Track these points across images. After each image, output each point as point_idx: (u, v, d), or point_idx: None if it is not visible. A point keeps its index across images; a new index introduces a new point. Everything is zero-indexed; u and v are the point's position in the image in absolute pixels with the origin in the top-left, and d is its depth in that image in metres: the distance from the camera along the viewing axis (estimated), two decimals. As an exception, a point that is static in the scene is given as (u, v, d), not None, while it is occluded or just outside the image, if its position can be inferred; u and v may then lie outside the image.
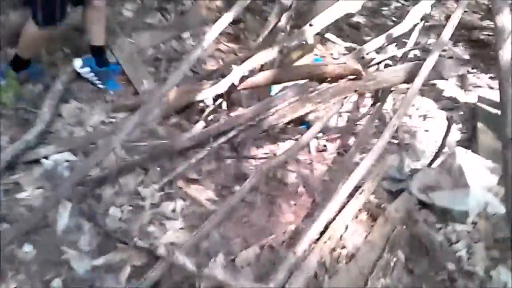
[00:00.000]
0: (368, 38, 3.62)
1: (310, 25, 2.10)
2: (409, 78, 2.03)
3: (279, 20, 2.56)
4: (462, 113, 2.93)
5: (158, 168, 2.20)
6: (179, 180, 2.15)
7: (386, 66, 2.50)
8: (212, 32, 1.99)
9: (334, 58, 2.56)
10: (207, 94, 2.28)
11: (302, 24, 2.33)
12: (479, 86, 3.21)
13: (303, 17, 2.63)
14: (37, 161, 2.17)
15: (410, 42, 2.43)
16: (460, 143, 2.70)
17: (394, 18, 4.45)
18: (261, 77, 2.28)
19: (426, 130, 2.83)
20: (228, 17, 2.03)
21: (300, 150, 2.21)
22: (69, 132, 2.47)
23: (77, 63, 2.85)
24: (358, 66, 2.08)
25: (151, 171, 2.17)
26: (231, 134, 2.17)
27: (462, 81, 3.10)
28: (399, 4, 4.80)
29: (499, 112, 2.67)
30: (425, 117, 2.89)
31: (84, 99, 2.78)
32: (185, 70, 1.91)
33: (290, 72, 2.25)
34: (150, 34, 3.25)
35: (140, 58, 3.15)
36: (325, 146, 2.48)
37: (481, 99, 2.81)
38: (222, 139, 2.16)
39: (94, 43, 2.82)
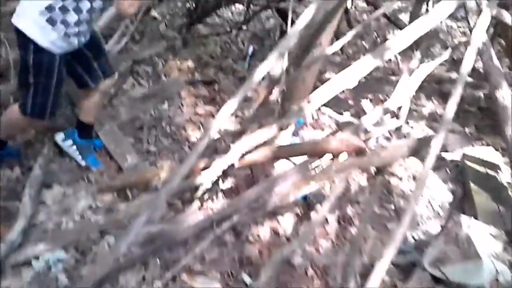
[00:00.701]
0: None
1: (308, 101, 2.08)
2: (414, 153, 2.04)
3: (270, 93, 2.52)
4: (449, 171, 2.97)
5: (159, 261, 2.07)
6: (182, 273, 2.02)
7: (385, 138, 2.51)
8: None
9: (332, 133, 2.55)
10: (206, 177, 2.18)
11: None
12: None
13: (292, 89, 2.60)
14: (26, 263, 1.99)
15: (403, 112, 2.45)
16: (452, 205, 2.71)
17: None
18: (260, 154, 2.22)
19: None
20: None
21: (312, 234, 2.14)
22: (55, 223, 2.30)
23: (59, 136, 2.73)
24: (362, 144, 2.07)
25: (151, 266, 2.03)
26: (234, 219, 2.08)
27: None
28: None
29: (488, 171, 2.73)
30: (414, 178, 2.91)
31: (66, 181, 2.63)
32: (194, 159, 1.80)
33: (290, 149, 2.21)
34: (129, 106, 3.14)
35: (121, 131, 3.04)
36: (326, 218, 2.43)
37: (467, 157, 2.86)
38: (226, 225, 2.07)
39: (84, 119, 2.70)
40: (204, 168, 2.23)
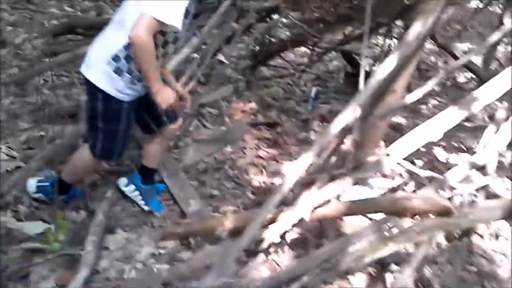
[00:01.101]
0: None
1: (387, 154, 1.93)
2: (508, 215, 1.84)
3: (341, 142, 2.39)
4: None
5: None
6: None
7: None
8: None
9: (414, 191, 2.37)
10: (274, 230, 2.06)
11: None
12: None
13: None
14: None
15: (491, 167, 2.22)
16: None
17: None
18: (332, 209, 2.08)
19: (503, 254, 2.57)
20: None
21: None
22: (118, 270, 2.24)
23: (122, 181, 2.71)
24: (448, 204, 1.88)
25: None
26: (304, 280, 1.93)
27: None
28: (435, 102, 4.73)
29: None
30: (497, 236, 2.64)
31: (129, 225, 2.59)
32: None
33: (366, 205, 2.05)
34: (194, 149, 3.11)
35: (185, 175, 3.00)
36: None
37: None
38: (295, 286, 1.92)
39: (147, 164, 2.69)
40: (272, 221, 2.11)
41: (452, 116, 1.91)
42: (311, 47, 4.29)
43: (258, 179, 3.42)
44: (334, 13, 3.18)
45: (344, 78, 5.06)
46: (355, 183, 1.97)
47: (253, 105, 4.41)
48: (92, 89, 2.19)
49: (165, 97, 2.19)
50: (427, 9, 2.16)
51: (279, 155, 3.77)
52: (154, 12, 1.92)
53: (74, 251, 2.18)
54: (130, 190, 2.71)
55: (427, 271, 2.34)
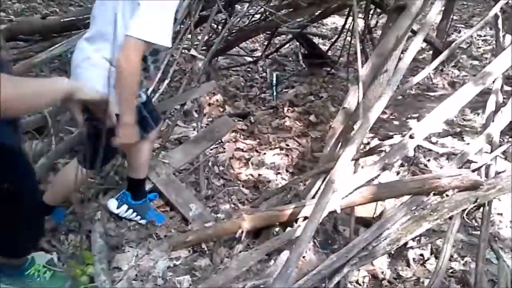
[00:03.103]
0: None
1: (411, 137, 1.94)
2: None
3: (347, 128, 2.38)
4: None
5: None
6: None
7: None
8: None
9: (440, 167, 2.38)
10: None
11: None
12: None
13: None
14: None
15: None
16: None
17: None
18: (359, 196, 2.06)
19: (499, 214, 2.71)
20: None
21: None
22: (139, 291, 2.09)
23: (112, 204, 2.52)
24: (478, 177, 1.93)
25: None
26: (345, 270, 1.90)
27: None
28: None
29: None
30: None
31: (134, 240, 2.43)
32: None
33: (393, 188, 2.05)
34: (182, 151, 2.96)
35: (178, 179, 2.85)
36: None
37: None
38: (337, 279, 1.89)
39: (134, 176, 2.51)
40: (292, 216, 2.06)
41: (468, 92, 1.94)
42: (270, 36, 4.21)
43: (245, 172, 3.36)
44: (307, -4, 3.15)
45: (302, 60, 5.06)
46: (383, 169, 1.96)
47: (218, 96, 4.29)
48: None
49: (128, 134, 1.96)
50: None
51: (258, 145, 3.71)
52: (141, 34, 1.76)
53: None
54: (123, 211, 2.52)
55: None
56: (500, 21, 2.53)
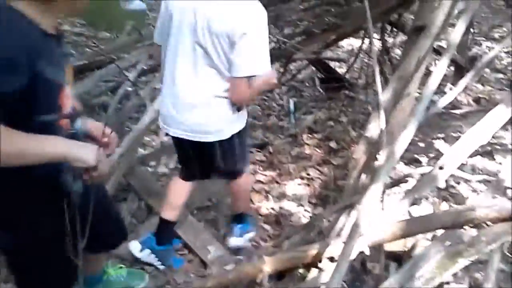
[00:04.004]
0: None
1: (441, 168, 1.79)
2: None
3: (371, 157, 2.23)
4: None
5: None
6: None
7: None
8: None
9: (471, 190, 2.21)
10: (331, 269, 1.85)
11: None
12: None
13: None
14: None
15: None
16: None
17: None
18: (389, 233, 1.91)
19: None
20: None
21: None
22: None
23: (134, 247, 2.41)
24: (515, 207, 1.76)
25: None
26: (378, 317, 1.74)
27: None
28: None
29: None
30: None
31: (151, 288, 2.32)
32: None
33: (426, 222, 1.89)
34: (199, 187, 2.86)
35: (196, 219, 2.74)
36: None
37: None
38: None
39: (165, 216, 2.41)
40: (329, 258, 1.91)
41: (501, 115, 1.79)
42: (285, 61, 4.12)
43: (265, 205, 3.22)
44: (319, 23, 3.05)
45: (319, 85, 4.95)
46: (412, 204, 1.81)
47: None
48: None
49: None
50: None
51: (278, 176, 3.58)
52: (248, 72, 1.90)
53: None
54: (145, 255, 2.42)
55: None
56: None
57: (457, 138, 3.61)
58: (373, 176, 1.80)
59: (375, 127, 2.33)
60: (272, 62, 2.01)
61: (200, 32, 1.86)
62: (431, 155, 3.56)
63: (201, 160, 2.24)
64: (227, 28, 1.81)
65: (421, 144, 3.74)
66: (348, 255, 1.46)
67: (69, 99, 1.35)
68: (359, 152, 2.30)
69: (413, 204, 1.82)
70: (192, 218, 2.70)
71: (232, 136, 2.11)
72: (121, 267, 2.25)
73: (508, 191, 1.92)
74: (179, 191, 2.36)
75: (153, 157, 3.30)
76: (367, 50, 4.37)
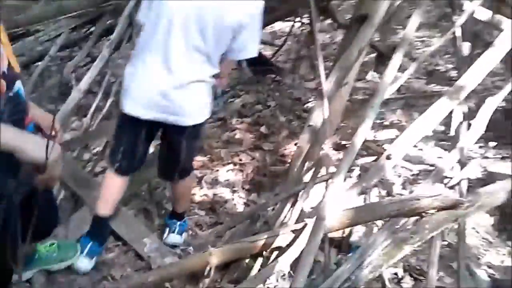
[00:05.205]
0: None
1: (388, 158, 1.83)
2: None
3: (315, 146, 2.24)
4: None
5: None
6: None
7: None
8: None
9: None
10: (284, 261, 1.84)
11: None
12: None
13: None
14: None
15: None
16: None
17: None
18: (337, 222, 1.93)
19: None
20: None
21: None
22: None
23: (85, 264, 2.24)
24: (457, 196, 1.85)
25: None
26: (330, 308, 1.76)
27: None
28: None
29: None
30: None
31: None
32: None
33: (372, 211, 1.93)
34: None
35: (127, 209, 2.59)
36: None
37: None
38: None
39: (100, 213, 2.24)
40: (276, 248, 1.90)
41: (443, 108, 1.87)
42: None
43: (199, 193, 3.13)
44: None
45: (247, 67, 4.89)
46: (361, 193, 1.84)
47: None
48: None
49: None
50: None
51: (210, 161, 3.50)
52: (255, 54, 2.05)
53: None
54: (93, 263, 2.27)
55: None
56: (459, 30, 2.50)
57: (381, 126, 3.84)
58: (321, 166, 1.80)
59: (318, 116, 2.33)
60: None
61: (204, 26, 1.88)
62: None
63: (164, 151, 2.29)
64: (239, 17, 1.89)
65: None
66: (312, 252, 1.44)
67: (3, 59, 1.20)
68: (303, 141, 2.30)
69: (362, 193, 1.84)
70: (124, 209, 2.54)
71: (202, 123, 2.16)
72: (52, 244, 2.15)
73: (446, 180, 2.03)
74: (117, 187, 2.22)
75: (78, 142, 3.05)
76: (294, 34, 4.39)
